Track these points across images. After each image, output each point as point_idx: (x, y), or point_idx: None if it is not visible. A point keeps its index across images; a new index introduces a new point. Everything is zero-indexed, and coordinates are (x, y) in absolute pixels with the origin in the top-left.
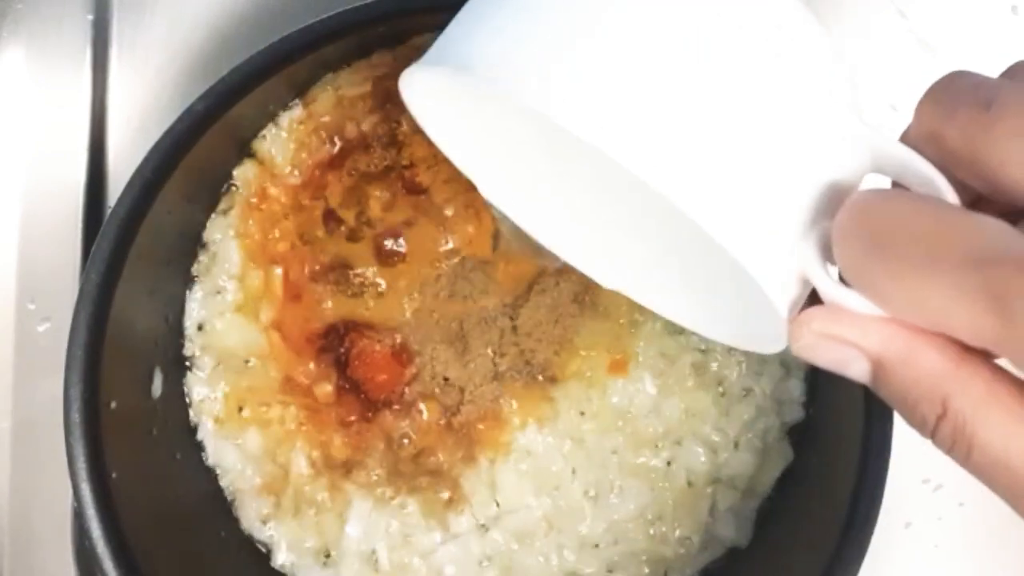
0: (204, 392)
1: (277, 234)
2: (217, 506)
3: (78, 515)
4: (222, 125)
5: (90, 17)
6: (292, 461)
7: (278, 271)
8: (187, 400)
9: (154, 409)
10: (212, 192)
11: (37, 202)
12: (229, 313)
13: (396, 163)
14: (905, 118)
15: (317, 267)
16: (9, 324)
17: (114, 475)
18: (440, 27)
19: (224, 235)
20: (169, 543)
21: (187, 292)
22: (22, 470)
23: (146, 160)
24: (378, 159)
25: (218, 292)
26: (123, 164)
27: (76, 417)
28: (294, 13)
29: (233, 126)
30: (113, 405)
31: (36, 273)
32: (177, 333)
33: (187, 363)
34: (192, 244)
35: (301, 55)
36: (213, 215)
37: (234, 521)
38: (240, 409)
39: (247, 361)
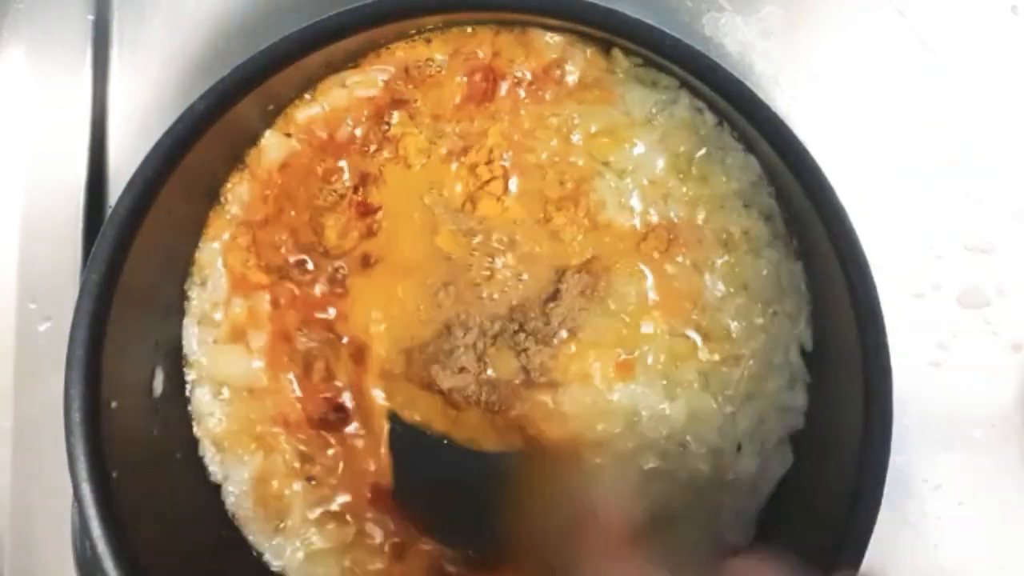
0: (204, 415)
1: (253, 263)
2: (217, 506)
3: (79, 514)
4: (223, 125)
5: (91, 17)
6: (293, 491)
7: (266, 297)
8: (190, 412)
9: (155, 409)
10: (212, 192)
11: (38, 202)
12: (222, 341)
13: (346, 191)
14: None
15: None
16: (10, 324)
17: (115, 474)
18: (441, 27)
19: (211, 262)
20: (169, 542)
21: (185, 300)
22: (23, 469)
23: (147, 160)
24: (326, 191)
25: (209, 321)
26: (124, 164)
27: (77, 416)
28: (295, 13)
29: (234, 126)
30: (114, 405)
31: (37, 273)
32: (177, 333)
33: (188, 387)
34: (192, 244)
35: (302, 55)
36: (201, 242)
37: (233, 521)
38: (241, 436)
39: (246, 391)
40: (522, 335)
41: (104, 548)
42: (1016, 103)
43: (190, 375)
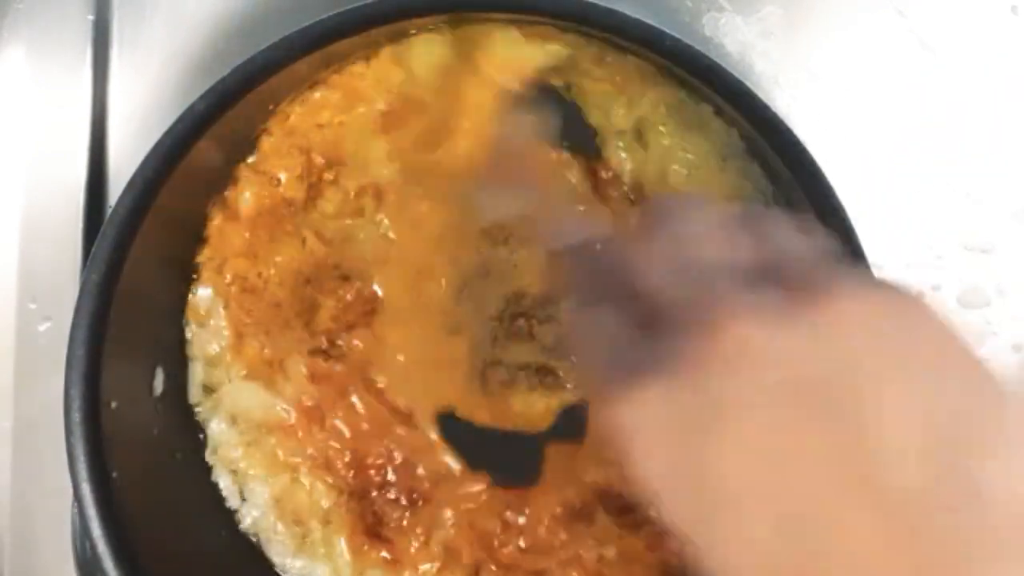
0: (220, 445)
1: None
2: (217, 506)
3: (79, 514)
4: (222, 125)
5: (90, 17)
6: (322, 505)
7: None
8: (198, 425)
9: (155, 408)
10: (212, 193)
11: (38, 202)
12: (238, 380)
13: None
14: None
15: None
16: (10, 324)
17: (115, 475)
18: (441, 27)
19: (209, 307)
20: (169, 543)
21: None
22: (23, 470)
23: (147, 160)
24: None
25: (216, 363)
26: (124, 164)
27: (77, 417)
28: (295, 13)
29: (233, 126)
30: (114, 405)
31: (37, 273)
32: (178, 333)
33: (200, 425)
34: (193, 243)
35: (302, 55)
36: (193, 287)
37: (234, 521)
38: (262, 467)
39: (267, 432)
40: (522, 319)
41: (104, 548)
42: (1016, 103)
43: (199, 410)
